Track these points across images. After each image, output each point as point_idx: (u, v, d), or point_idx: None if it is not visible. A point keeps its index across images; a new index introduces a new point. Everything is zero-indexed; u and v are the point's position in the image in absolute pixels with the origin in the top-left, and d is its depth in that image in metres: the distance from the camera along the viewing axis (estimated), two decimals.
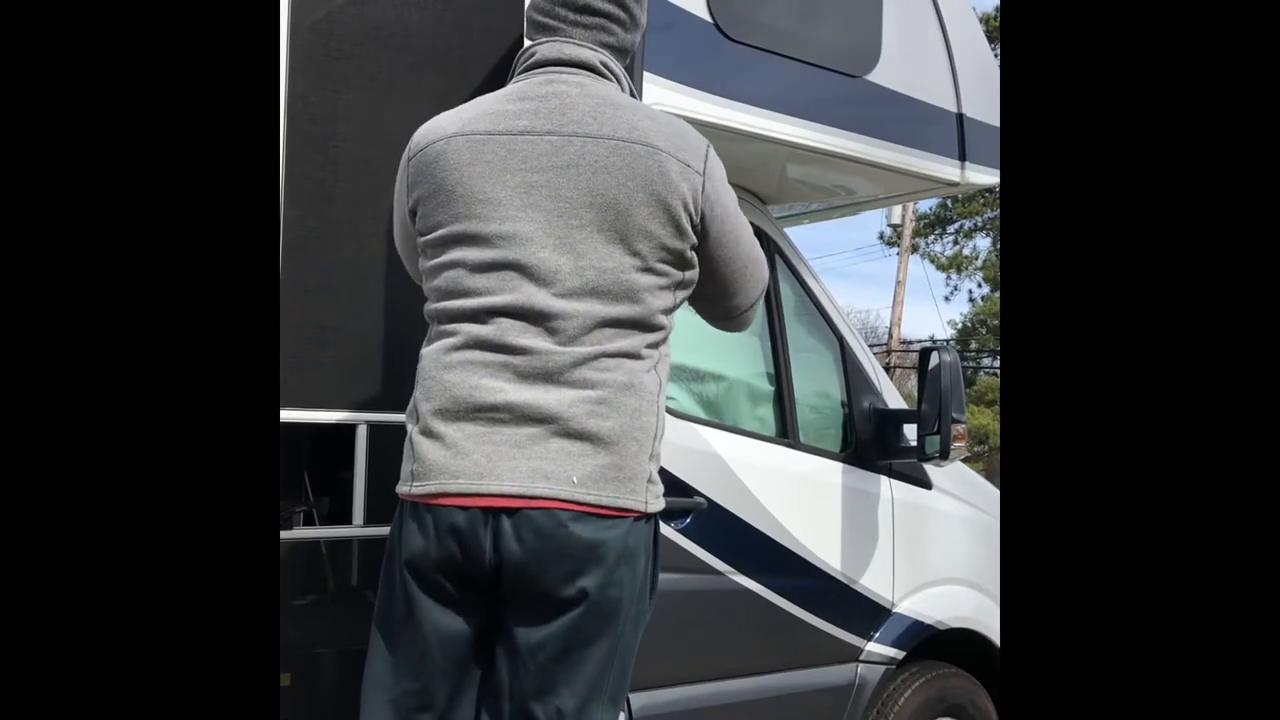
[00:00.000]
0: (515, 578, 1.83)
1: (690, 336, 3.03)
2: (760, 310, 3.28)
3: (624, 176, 1.86)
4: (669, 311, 1.95)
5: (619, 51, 2.02)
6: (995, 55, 3.79)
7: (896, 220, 23.38)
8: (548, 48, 1.96)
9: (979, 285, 25.79)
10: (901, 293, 23.99)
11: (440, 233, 1.91)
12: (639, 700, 2.75)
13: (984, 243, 25.41)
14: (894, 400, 3.52)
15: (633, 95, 2.02)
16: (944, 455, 3.24)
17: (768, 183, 3.48)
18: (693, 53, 2.85)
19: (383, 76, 2.38)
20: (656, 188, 1.87)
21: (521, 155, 1.88)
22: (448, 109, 2.00)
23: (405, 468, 1.91)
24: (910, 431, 3.41)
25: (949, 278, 26.04)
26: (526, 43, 2.01)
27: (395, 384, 2.22)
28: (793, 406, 3.23)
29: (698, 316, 2.15)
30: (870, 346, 4.42)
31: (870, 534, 3.33)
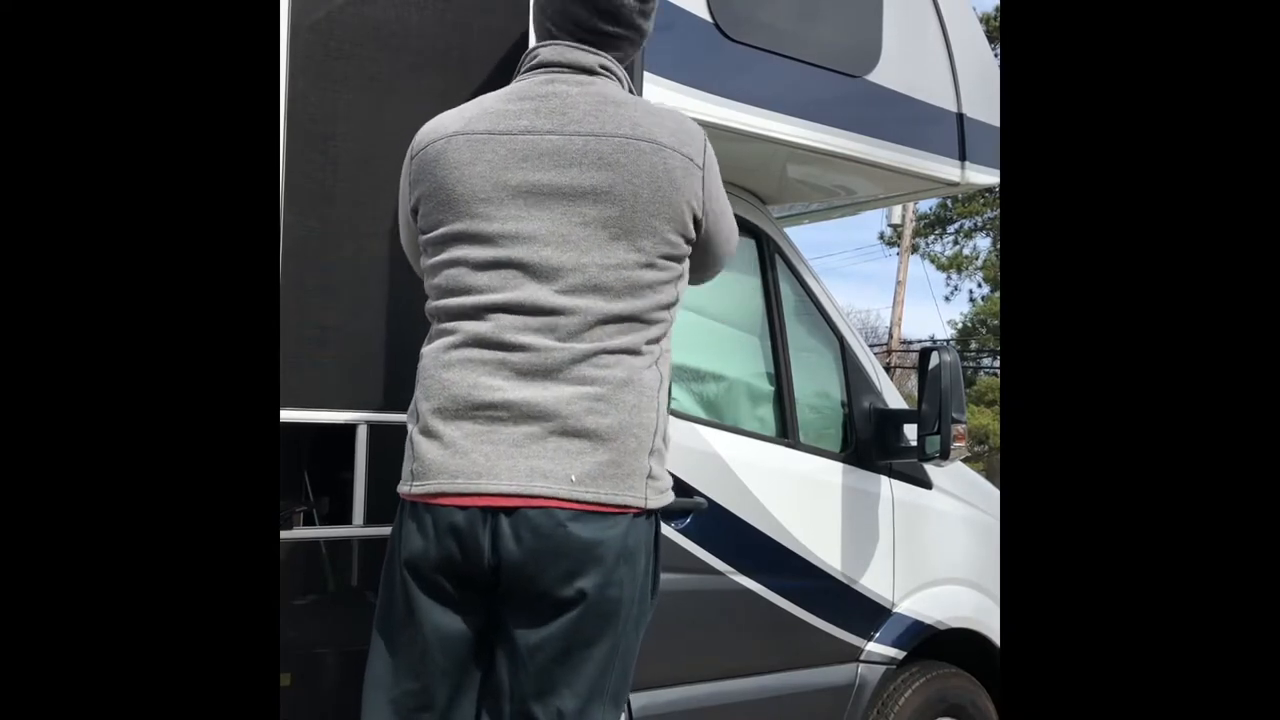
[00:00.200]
0: (513, 578, 1.83)
1: (690, 336, 3.04)
2: (760, 310, 3.30)
3: (629, 174, 1.86)
4: (670, 306, 1.95)
5: (623, 58, 2.03)
6: (995, 55, 3.79)
7: (896, 220, 23.38)
8: (551, 50, 1.96)
9: (979, 285, 25.81)
10: (901, 293, 23.99)
11: (441, 231, 1.92)
12: (639, 700, 2.75)
13: (984, 243, 25.44)
14: (894, 400, 3.52)
15: (631, 92, 2.02)
16: (944, 455, 3.24)
17: (768, 183, 3.47)
18: (693, 53, 2.86)
19: (383, 76, 2.38)
20: (663, 186, 1.88)
21: (523, 154, 1.88)
22: (448, 109, 2.00)
23: (405, 467, 1.91)
24: (910, 431, 3.40)
25: (949, 278, 26.06)
26: (532, 42, 2.02)
27: (395, 384, 2.22)
28: (793, 406, 3.23)
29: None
30: (870, 346, 4.42)
31: (870, 534, 3.33)
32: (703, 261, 2.04)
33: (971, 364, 23.78)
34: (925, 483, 3.52)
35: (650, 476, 1.88)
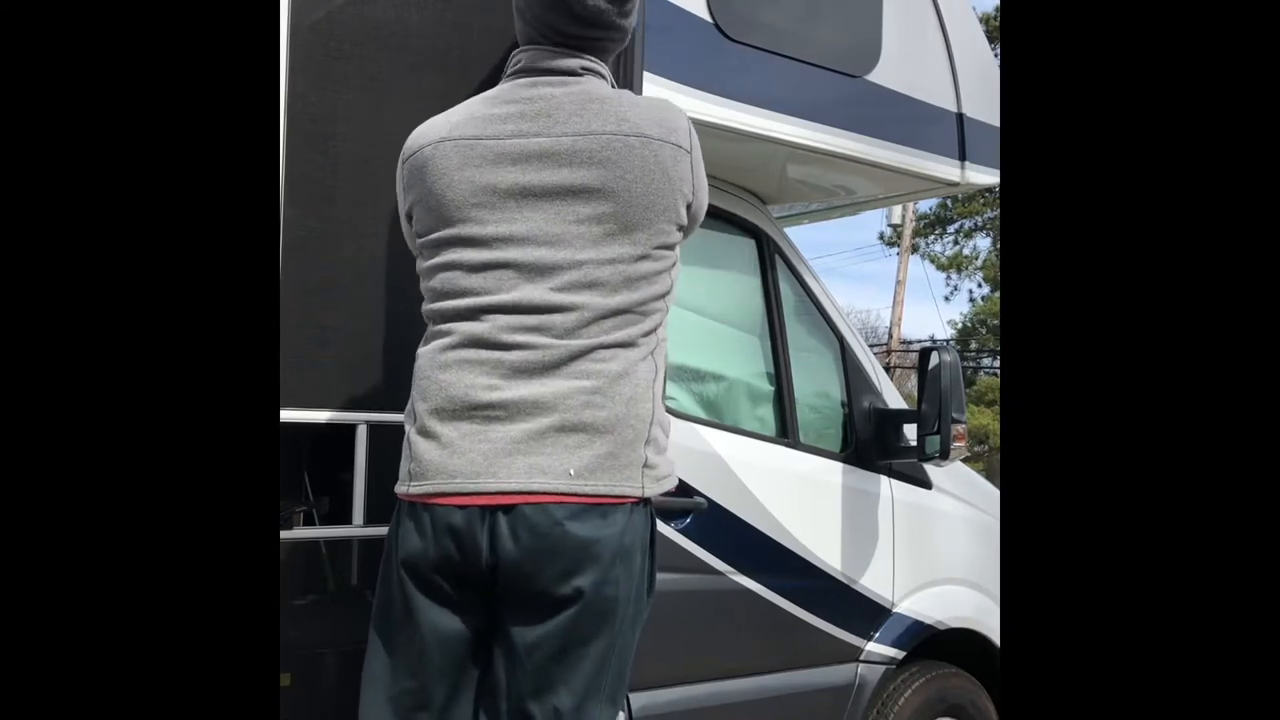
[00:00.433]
0: (511, 577, 1.83)
1: (690, 336, 3.04)
2: (760, 310, 3.30)
3: (619, 170, 1.87)
4: (665, 296, 1.96)
5: (607, 56, 2.03)
6: (995, 55, 3.79)
7: (896, 220, 23.38)
8: (533, 55, 1.97)
9: (979, 285, 25.81)
10: (901, 293, 23.99)
11: (434, 235, 1.93)
12: (639, 700, 2.75)
13: (984, 243, 25.44)
14: (894, 400, 3.52)
15: (614, 87, 2.02)
16: (944, 455, 3.25)
17: (768, 183, 3.47)
18: (693, 53, 2.86)
19: (383, 76, 2.38)
20: (656, 180, 1.88)
21: (512, 157, 1.89)
22: (448, 109, 2.01)
23: (403, 467, 1.91)
24: (910, 431, 3.41)
25: (949, 278, 26.06)
26: (519, 45, 2.02)
27: (395, 384, 2.22)
28: (793, 406, 3.23)
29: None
30: (870, 346, 4.42)
31: (870, 534, 3.33)
32: (685, 231, 2.04)
33: (971, 364, 23.79)
34: (925, 483, 3.52)
35: (647, 465, 1.89)
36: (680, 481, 2.77)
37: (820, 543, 3.18)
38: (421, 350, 1.95)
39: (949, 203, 24.46)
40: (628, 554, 1.87)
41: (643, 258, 1.89)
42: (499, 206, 1.88)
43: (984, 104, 3.50)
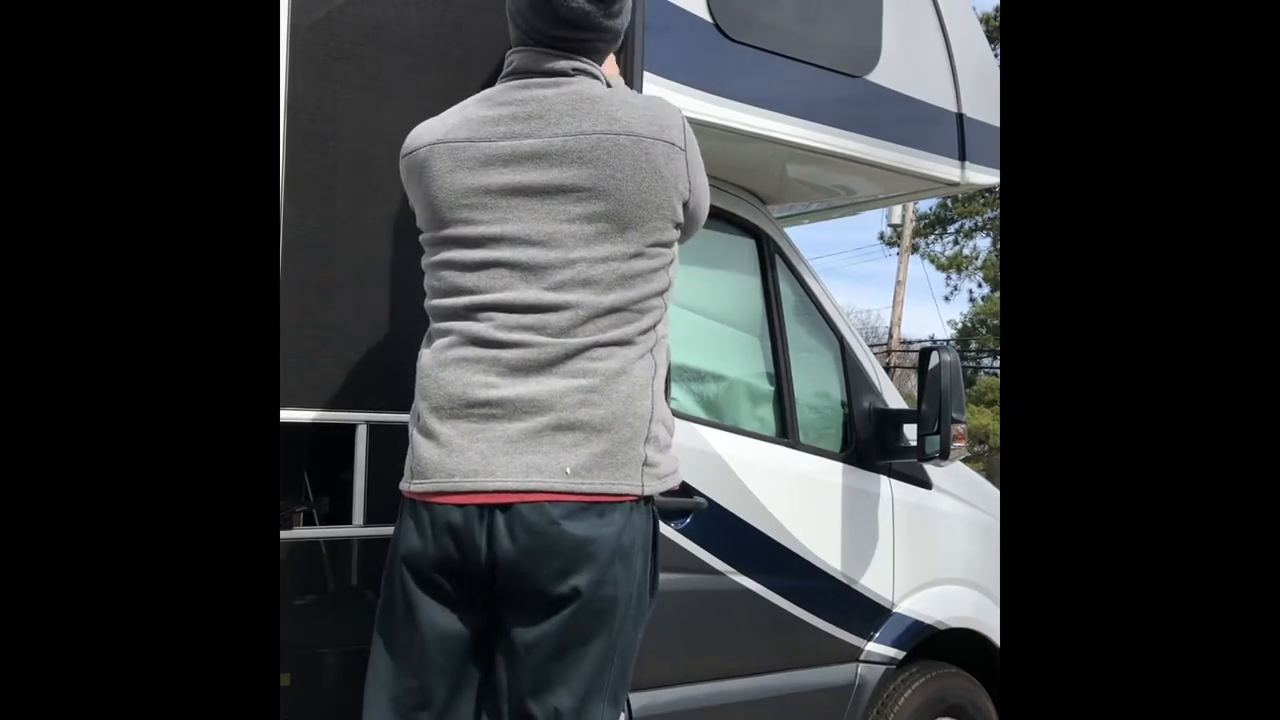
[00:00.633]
0: (509, 575, 1.83)
1: (690, 336, 3.04)
2: (760, 310, 3.30)
3: (611, 169, 1.87)
4: (662, 293, 1.96)
5: (599, 57, 2.03)
6: (995, 55, 3.79)
7: (896, 220, 23.38)
8: (524, 57, 1.98)
9: (979, 285, 25.81)
10: (901, 293, 23.99)
11: (431, 235, 1.96)
12: (639, 700, 2.75)
13: (984, 243, 25.44)
14: (894, 400, 3.52)
15: (609, 86, 2.02)
16: (944, 455, 3.24)
17: (768, 183, 3.47)
18: (693, 53, 2.85)
19: (383, 76, 2.38)
20: (648, 178, 1.89)
21: (505, 158, 1.90)
22: (448, 109, 2.02)
23: (406, 465, 1.93)
24: (910, 431, 3.40)
25: (949, 278, 26.06)
26: (511, 47, 2.02)
27: (395, 384, 2.22)
28: (793, 406, 3.23)
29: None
30: (870, 346, 4.42)
31: (870, 534, 3.33)
32: (686, 230, 2.05)
33: (971, 364, 23.79)
34: (925, 483, 3.52)
35: (647, 463, 1.89)
36: (680, 481, 2.79)
37: (820, 543, 3.18)
38: (424, 350, 1.96)
39: (949, 203, 24.46)
40: (627, 553, 1.87)
41: (637, 255, 1.89)
42: (491, 206, 1.89)
43: (984, 104, 3.50)
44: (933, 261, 25.98)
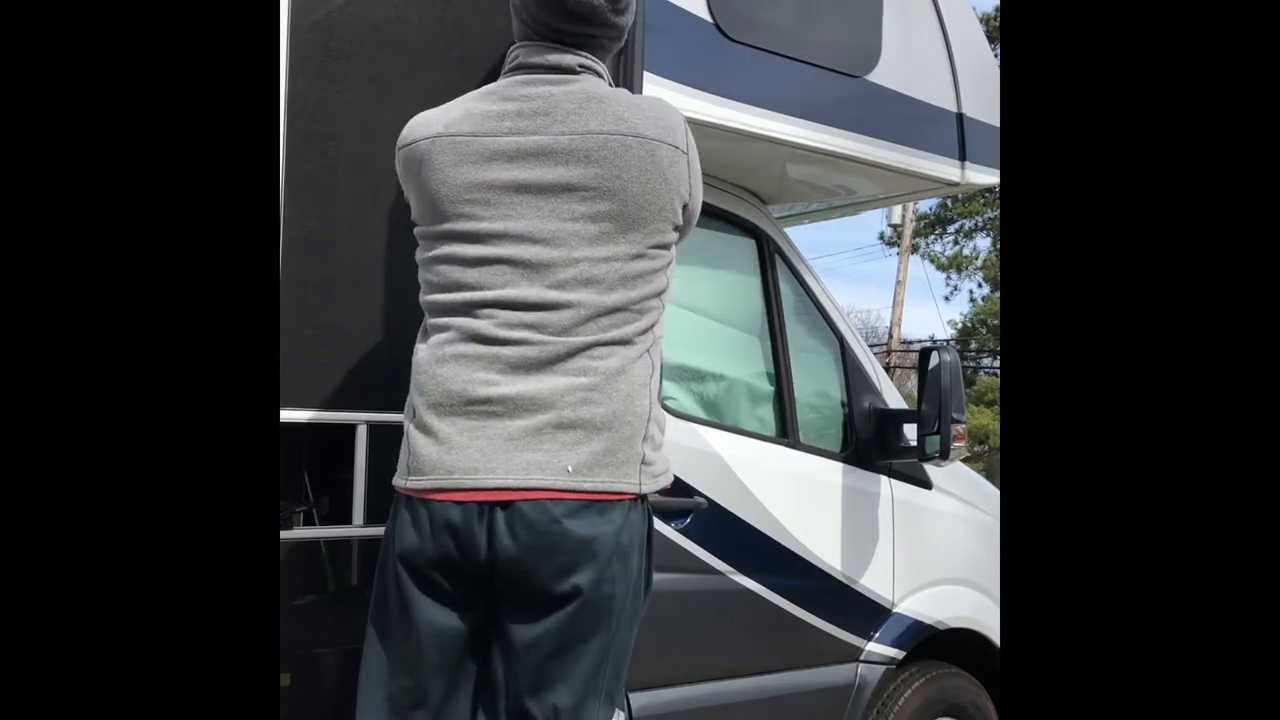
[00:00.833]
0: (509, 574, 1.83)
1: (690, 336, 3.04)
2: (760, 310, 3.30)
3: (617, 169, 1.87)
4: (661, 294, 1.96)
5: (604, 54, 2.03)
6: (995, 55, 3.79)
7: (896, 220, 23.38)
8: (530, 52, 1.97)
9: (979, 285, 25.81)
10: (901, 293, 24.00)
11: (429, 229, 1.94)
12: (639, 700, 2.75)
13: (984, 243, 25.44)
14: (894, 400, 3.52)
15: (612, 86, 2.02)
16: (944, 455, 3.24)
17: (768, 183, 3.47)
18: (693, 53, 2.85)
19: (383, 76, 2.38)
20: (652, 180, 1.89)
21: (509, 154, 1.89)
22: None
23: (401, 460, 1.92)
24: (910, 431, 3.40)
25: (949, 278, 26.07)
26: (515, 42, 2.02)
27: (395, 384, 2.22)
28: (793, 406, 3.23)
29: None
30: (870, 346, 4.42)
31: (870, 534, 3.33)
32: (681, 233, 2.04)
33: (971, 364, 23.78)
34: (925, 483, 3.52)
35: (644, 462, 1.89)
36: (680, 481, 2.79)
37: (820, 543, 3.18)
38: (420, 346, 1.95)
39: (949, 203, 24.47)
40: (625, 552, 1.87)
41: (638, 256, 1.90)
42: (495, 203, 1.89)
43: (984, 104, 3.50)
44: (933, 261, 26.01)
